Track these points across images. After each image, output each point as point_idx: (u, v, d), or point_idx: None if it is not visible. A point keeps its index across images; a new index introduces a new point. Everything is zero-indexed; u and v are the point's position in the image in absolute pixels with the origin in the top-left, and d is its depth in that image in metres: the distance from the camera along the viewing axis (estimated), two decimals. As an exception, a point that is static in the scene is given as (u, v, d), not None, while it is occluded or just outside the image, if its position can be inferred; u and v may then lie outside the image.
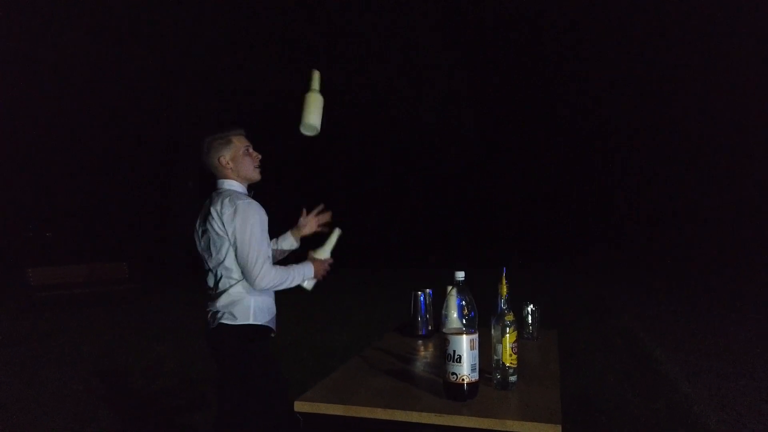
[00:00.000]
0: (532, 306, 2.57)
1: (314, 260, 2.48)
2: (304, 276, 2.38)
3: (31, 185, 18.84)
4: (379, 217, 21.02)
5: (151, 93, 15.72)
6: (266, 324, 2.33)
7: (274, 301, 2.42)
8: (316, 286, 2.50)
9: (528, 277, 13.12)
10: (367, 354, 2.27)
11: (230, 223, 2.20)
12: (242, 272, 2.22)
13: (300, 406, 1.66)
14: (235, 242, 2.20)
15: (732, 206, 21.85)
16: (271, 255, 2.29)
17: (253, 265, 2.17)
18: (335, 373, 1.98)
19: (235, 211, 2.20)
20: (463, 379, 1.61)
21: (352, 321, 8.07)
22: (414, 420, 1.56)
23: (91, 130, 16.89)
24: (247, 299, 2.27)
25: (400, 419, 1.57)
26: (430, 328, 2.63)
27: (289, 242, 2.67)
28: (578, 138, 23.49)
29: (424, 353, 2.32)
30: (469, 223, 22.33)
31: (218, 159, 2.34)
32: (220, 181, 2.39)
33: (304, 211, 2.69)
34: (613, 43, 21.57)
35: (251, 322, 2.27)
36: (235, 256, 2.23)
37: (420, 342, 2.51)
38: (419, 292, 2.64)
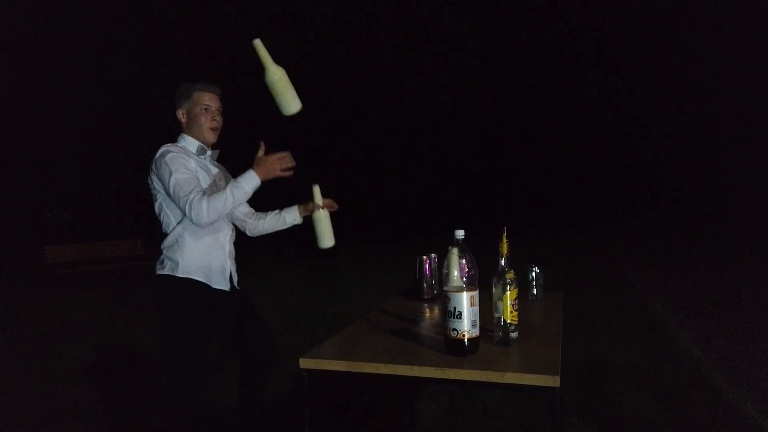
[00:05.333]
0: (537, 269, 2.58)
1: (259, 160, 2.25)
2: (246, 185, 2.18)
3: (48, 169, 19.06)
4: (387, 190, 20.97)
5: (161, 74, 15.72)
6: (193, 278, 2.28)
7: (214, 258, 2.34)
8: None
9: (539, 244, 13.12)
10: (372, 316, 2.30)
11: (157, 180, 2.24)
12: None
13: (305, 363, 1.69)
14: (168, 195, 2.23)
15: (748, 175, 21.56)
16: (199, 189, 2.18)
17: (188, 210, 2.14)
18: (340, 333, 2.01)
19: (158, 167, 2.21)
20: (463, 335, 1.62)
21: (362, 293, 8.12)
22: (415, 374, 1.58)
23: (101, 113, 17.00)
24: (171, 252, 2.29)
25: (402, 374, 1.60)
26: (435, 292, 2.65)
27: (292, 216, 2.62)
28: (589, 108, 23.22)
29: (429, 315, 2.34)
30: (479, 195, 22.25)
31: (176, 110, 2.29)
32: (180, 135, 2.34)
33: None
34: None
35: (173, 273, 2.27)
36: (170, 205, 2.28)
37: (425, 305, 2.53)
38: (424, 257, 2.65)
